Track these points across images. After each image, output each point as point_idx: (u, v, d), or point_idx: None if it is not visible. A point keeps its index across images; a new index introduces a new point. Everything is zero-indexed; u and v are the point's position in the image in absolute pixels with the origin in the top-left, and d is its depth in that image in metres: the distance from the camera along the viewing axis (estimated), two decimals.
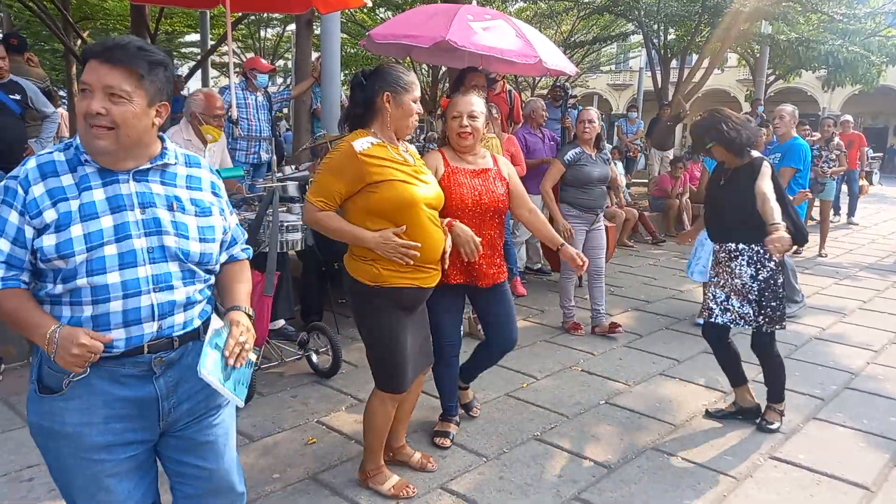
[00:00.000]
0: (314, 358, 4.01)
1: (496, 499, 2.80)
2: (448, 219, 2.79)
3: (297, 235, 3.84)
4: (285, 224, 3.78)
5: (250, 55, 18.41)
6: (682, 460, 3.19)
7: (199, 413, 1.78)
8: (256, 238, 3.71)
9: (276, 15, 18.35)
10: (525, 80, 20.72)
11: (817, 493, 2.95)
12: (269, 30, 21.50)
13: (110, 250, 1.60)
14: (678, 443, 3.36)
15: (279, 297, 4.10)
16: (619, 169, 9.79)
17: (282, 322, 4.43)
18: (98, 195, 1.62)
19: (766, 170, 3.38)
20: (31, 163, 1.65)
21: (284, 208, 4.01)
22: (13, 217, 1.59)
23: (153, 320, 1.65)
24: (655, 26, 14.09)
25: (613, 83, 37.35)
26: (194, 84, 13.35)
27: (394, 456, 3.00)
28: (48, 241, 1.57)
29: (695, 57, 14.56)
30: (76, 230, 1.58)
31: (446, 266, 2.73)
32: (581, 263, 3.06)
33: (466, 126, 2.98)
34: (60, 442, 1.68)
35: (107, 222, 1.61)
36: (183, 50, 20.91)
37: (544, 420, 3.56)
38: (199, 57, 14.10)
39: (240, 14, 11.51)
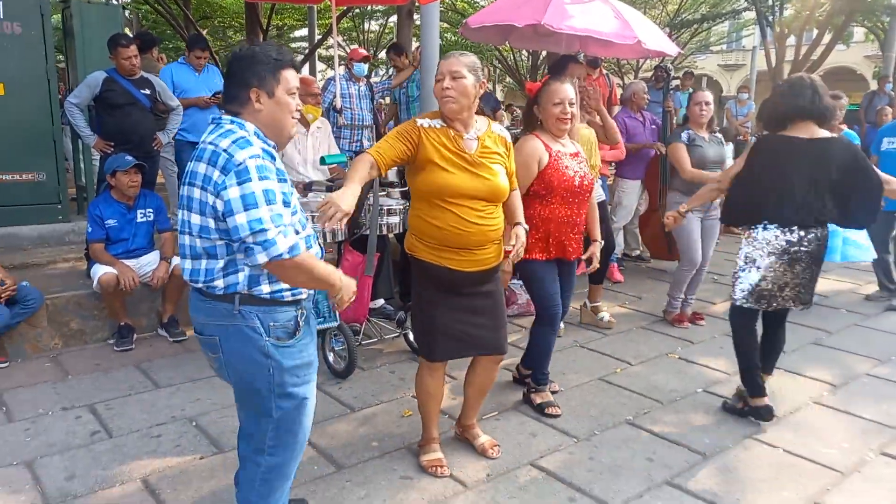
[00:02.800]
0: (411, 336, 4.17)
1: (585, 478, 2.83)
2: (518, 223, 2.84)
3: (396, 219, 3.99)
4: (385, 207, 3.93)
5: (354, 47, 18.98)
6: (783, 452, 3.09)
7: None
8: (358, 221, 3.89)
9: (378, 7, 18.78)
10: (628, 63, 20.13)
11: None
12: (372, 22, 22.03)
13: (300, 211, 2.08)
14: (780, 434, 3.25)
15: (379, 277, 4.29)
16: (729, 152, 9.37)
17: (381, 301, 4.61)
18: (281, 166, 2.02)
19: None
20: (255, 145, 1.90)
21: (384, 192, 4.17)
22: (280, 187, 1.90)
23: None
24: (770, 1, 13.30)
25: (724, 63, 35.47)
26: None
27: (462, 433, 3.09)
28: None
29: (814, 33, 13.63)
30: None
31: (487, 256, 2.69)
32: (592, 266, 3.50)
33: (568, 112, 3.17)
34: (310, 370, 2.10)
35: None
36: (293, 45, 21.83)
37: (637, 405, 3.54)
38: (307, 50, 14.69)
39: (345, 8, 11.88)
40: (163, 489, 2.71)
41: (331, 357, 3.90)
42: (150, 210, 4.41)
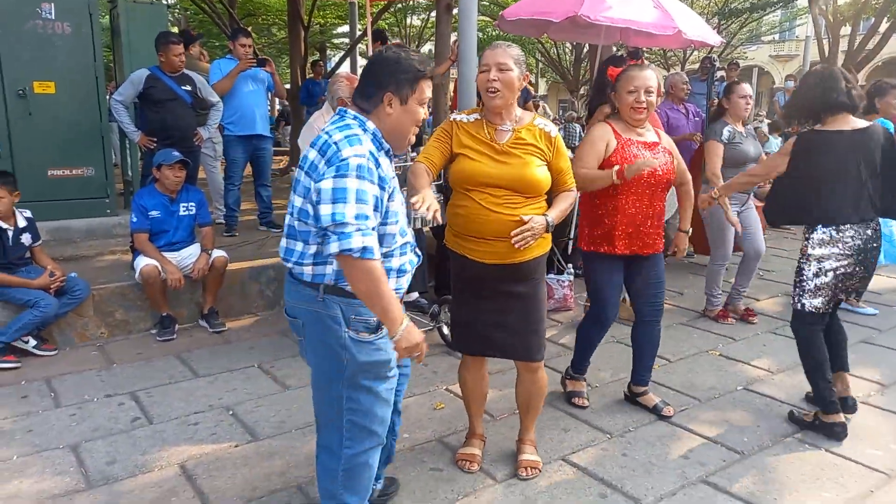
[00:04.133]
0: (445, 329, 4.17)
1: (617, 474, 2.79)
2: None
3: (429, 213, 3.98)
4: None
5: (395, 41, 19.04)
6: (826, 452, 2.99)
7: None
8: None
9: (421, 1, 18.83)
10: (674, 54, 19.71)
11: None
12: (413, 17, 22.09)
13: (402, 218, 2.10)
14: (823, 434, 3.14)
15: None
16: (775, 146, 9.10)
17: (416, 294, 4.63)
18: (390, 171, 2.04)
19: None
20: (365, 145, 1.93)
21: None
22: (376, 191, 1.91)
23: None
24: None
25: (776, 54, 34.43)
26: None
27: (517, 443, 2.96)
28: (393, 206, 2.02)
29: (871, 21, 13.10)
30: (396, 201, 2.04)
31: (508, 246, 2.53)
32: (681, 253, 3.36)
33: (643, 101, 3.01)
34: (387, 368, 2.08)
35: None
36: (335, 41, 22.06)
37: (674, 402, 3.47)
38: (348, 47, 14.82)
39: (384, 3, 11.94)
40: (199, 475, 2.77)
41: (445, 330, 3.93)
42: (193, 204, 4.52)
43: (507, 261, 2.55)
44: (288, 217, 2.04)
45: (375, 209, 1.91)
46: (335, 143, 1.90)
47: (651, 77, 3.03)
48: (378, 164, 1.94)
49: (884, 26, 12.44)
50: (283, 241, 2.06)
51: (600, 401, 3.47)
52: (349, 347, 1.99)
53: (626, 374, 3.80)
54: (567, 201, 2.66)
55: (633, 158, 3.01)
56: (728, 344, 4.35)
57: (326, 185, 1.86)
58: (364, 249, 1.84)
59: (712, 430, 3.18)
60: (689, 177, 3.32)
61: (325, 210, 1.85)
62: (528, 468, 2.78)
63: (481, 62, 2.49)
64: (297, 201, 1.98)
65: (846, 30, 13.56)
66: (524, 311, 2.63)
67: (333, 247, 1.85)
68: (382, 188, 1.95)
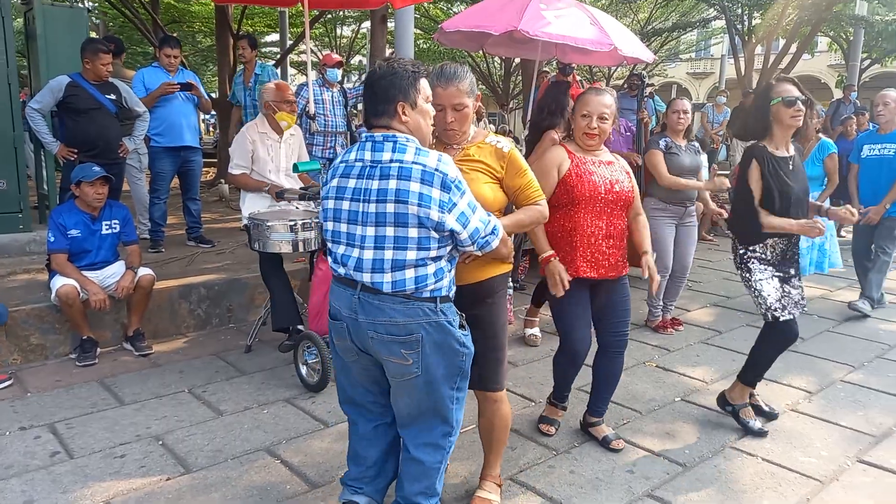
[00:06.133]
0: (303, 370, 3.91)
1: (566, 492, 2.78)
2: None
3: (311, 234, 3.87)
4: (299, 222, 3.83)
5: (326, 52, 18.87)
6: (762, 461, 3.07)
7: None
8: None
9: (352, 12, 18.68)
10: (600, 70, 20.29)
11: None
12: (344, 27, 21.92)
13: None
14: (759, 443, 3.23)
15: None
16: (703, 161, 9.44)
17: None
18: None
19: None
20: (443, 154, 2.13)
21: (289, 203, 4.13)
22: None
23: None
24: (739, 10, 13.51)
25: (693, 72, 36.07)
26: None
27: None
28: None
29: (781, 42, 13.88)
30: None
31: None
32: (653, 280, 3.09)
33: (595, 128, 2.95)
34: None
35: None
36: (264, 50, 21.61)
37: (616, 415, 3.50)
38: (278, 56, 14.54)
39: (317, 12, 11.77)
40: None
41: (303, 370, 3.80)
42: (116, 221, 4.27)
43: (463, 282, 2.39)
44: (391, 252, 2.09)
45: None
46: (437, 170, 2.05)
47: (606, 103, 2.96)
48: None
49: (793, 47, 13.20)
50: (388, 276, 2.09)
51: None
52: (465, 342, 2.22)
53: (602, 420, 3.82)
54: (526, 213, 2.50)
55: (588, 176, 2.94)
56: (663, 355, 4.45)
57: (462, 206, 2.09)
58: (495, 228, 2.20)
59: (655, 443, 3.22)
60: (641, 209, 3.19)
61: (475, 224, 2.12)
62: None
63: (434, 98, 2.33)
64: (405, 231, 2.07)
65: (760, 49, 14.31)
66: (482, 337, 2.43)
67: (494, 243, 2.19)
68: None
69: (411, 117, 2.15)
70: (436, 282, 2.13)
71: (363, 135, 2.22)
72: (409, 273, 2.09)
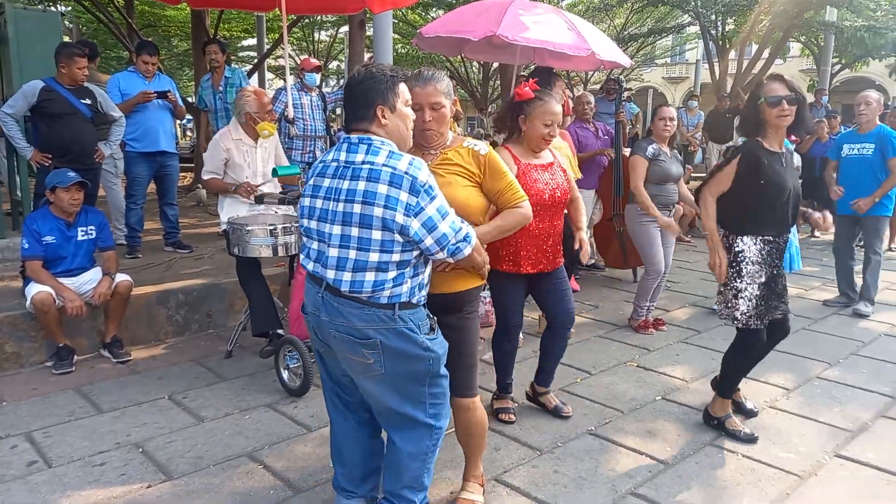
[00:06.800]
0: (284, 375, 3.89)
1: (551, 492, 2.79)
2: None
3: (292, 238, 3.87)
4: (280, 227, 3.82)
5: (304, 57, 18.80)
6: (742, 457, 3.11)
7: None
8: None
9: (329, 17, 18.66)
10: (577, 74, 20.47)
11: (887, 493, 2.83)
12: (322, 32, 21.87)
13: None
14: (738, 439, 3.27)
15: None
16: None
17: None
18: None
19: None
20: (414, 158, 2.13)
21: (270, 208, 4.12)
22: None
23: None
24: (713, 16, 13.73)
25: (669, 76, 36.56)
26: None
27: None
28: None
29: (754, 47, 14.13)
30: None
31: None
32: (584, 255, 3.36)
33: (556, 134, 3.20)
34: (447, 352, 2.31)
35: None
36: (240, 54, 21.48)
37: (599, 415, 3.53)
38: (255, 61, 14.46)
39: (295, 17, 11.74)
40: None
41: (285, 375, 3.77)
42: (92, 227, 4.21)
43: (435, 291, 2.35)
44: (337, 250, 2.11)
45: None
46: (406, 174, 2.04)
47: (560, 111, 3.19)
48: None
49: (766, 53, 13.45)
50: (348, 275, 2.10)
51: (527, 418, 3.48)
52: (430, 347, 2.19)
53: (551, 388, 3.84)
54: (506, 218, 2.50)
55: (533, 183, 3.13)
56: (644, 355, 4.49)
57: (430, 211, 2.07)
58: (469, 233, 2.19)
59: (637, 442, 3.25)
60: (577, 192, 3.46)
61: (443, 229, 2.10)
62: None
63: (412, 98, 2.34)
64: (367, 233, 2.06)
65: (733, 55, 14.54)
66: (453, 344, 2.39)
67: (467, 250, 2.17)
68: None
69: (390, 120, 2.17)
70: (394, 286, 2.11)
71: (342, 136, 2.24)
72: (370, 276, 2.09)
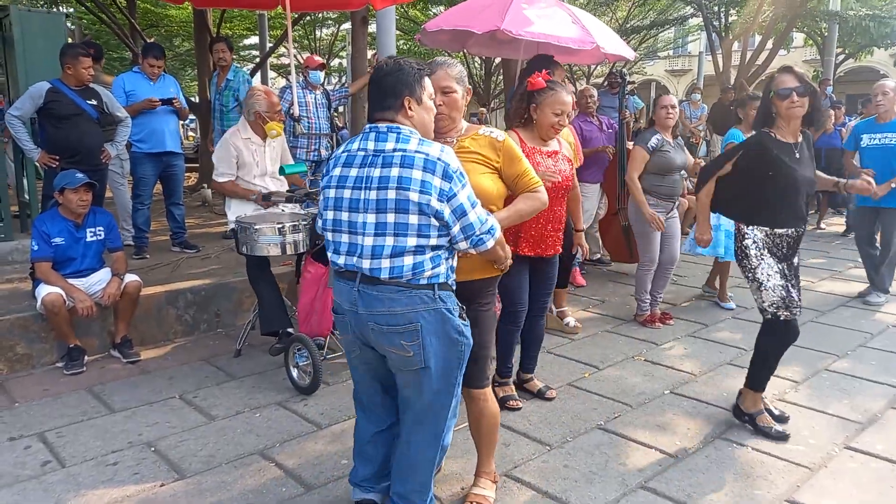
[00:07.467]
0: (294, 373, 3.89)
1: (561, 487, 2.80)
2: None
3: (300, 236, 3.87)
4: (287, 225, 3.83)
5: (307, 55, 18.80)
6: (752, 450, 3.12)
7: None
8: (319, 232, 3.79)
9: (331, 14, 18.64)
10: (580, 68, 20.41)
11: None
12: (324, 29, 21.85)
13: None
14: (748, 432, 3.28)
15: None
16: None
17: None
18: None
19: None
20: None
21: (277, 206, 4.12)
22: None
23: None
24: (715, 8, 13.68)
25: (671, 69, 36.40)
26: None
27: None
28: None
29: (758, 38, 14.06)
30: None
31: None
32: (584, 253, 3.62)
33: (565, 123, 3.26)
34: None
35: None
36: (243, 53, 21.48)
37: (608, 409, 3.54)
38: (258, 60, 14.46)
39: (297, 14, 11.73)
40: None
41: (294, 373, 3.79)
42: (101, 228, 4.23)
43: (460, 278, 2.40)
44: (392, 239, 2.10)
45: None
46: (440, 160, 2.09)
47: (570, 101, 3.26)
48: None
49: (769, 43, 13.38)
50: (386, 262, 2.11)
51: (537, 412, 3.49)
52: (464, 332, 2.23)
53: (559, 384, 3.85)
54: (524, 202, 2.54)
55: (536, 167, 3.05)
56: (652, 349, 4.49)
57: (462, 198, 2.11)
58: (494, 226, 2.22)
59: (646, 436, 3.25)
60: (577, 188, 3.58)
61: (472, 218, 2.13)
62: (475, 503, 2.63)
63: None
64: (405, 218, 2.08)
65: (736, 46, 14.48)
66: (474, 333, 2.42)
67: (490, 243, 2.19)
68: None
69: (416, 112, 2.21)
70: (433, 268, 2.14)
71: (345, 135, 2.26)
72: (408, 260, 2.10)
